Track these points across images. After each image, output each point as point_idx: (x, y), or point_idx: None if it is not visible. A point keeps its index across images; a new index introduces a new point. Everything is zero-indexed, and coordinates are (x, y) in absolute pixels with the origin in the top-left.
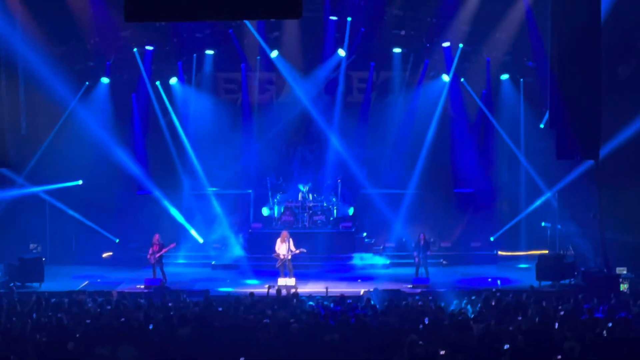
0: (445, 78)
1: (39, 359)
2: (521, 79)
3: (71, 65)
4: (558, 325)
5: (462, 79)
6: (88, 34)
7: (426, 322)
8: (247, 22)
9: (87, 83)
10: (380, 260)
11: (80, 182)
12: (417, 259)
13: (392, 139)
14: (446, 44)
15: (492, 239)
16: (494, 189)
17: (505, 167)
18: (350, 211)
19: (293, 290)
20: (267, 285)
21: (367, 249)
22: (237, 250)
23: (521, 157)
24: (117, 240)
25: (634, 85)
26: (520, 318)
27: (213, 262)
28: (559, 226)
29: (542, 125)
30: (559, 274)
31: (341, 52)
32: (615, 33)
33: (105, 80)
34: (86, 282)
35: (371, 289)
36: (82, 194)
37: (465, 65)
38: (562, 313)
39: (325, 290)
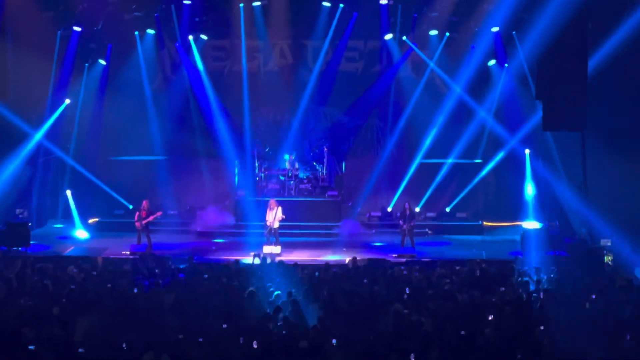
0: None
1: (24, 324)
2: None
3: (59, 31)
4: (542, 297)
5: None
6: None
7: (410, 292)
8: None
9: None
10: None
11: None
12: (402, 229)
13: (379, 108)
14: (434, 14)
15: (477, 209)
16: (481, 160)
17: (492, 138)
18: (337, 180)
19: (278, 258)
20: (252, 253)
21: (353, 217)
22: (221, 217)
23: (508, 129)
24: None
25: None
26: (503, 289)
27: (198, 229)
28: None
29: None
30: (544, 245)
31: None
32: (602, 3)
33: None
34: (72, 248)
35: (358, 257)
36: (72, 158)
37: (453, 36)
38: (545, 285)
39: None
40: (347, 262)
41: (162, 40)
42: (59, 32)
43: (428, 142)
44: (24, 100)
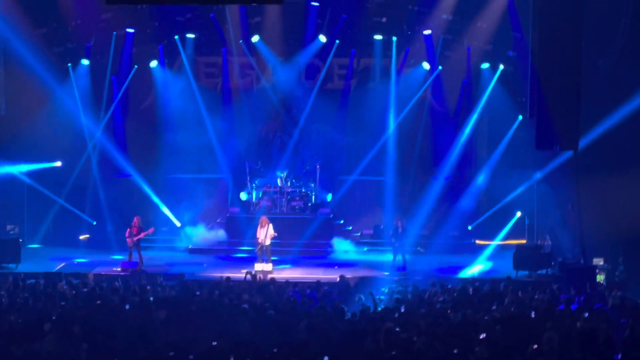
0: (426, 66)
1: (14, 341)
2: (499, 67)
3: (51, 47)
4: (534, 315)
5: (439, 67)
6: (69, 16)
7: (402, 310)
8: (228, 6)
9: (68, 65)
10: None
11: (59, 163)
12: (394, 246)
13: (371, 125)
14: (427, 32)
15: (470, 227)
16: (473, 178)
17: (485, 156)
18: (329, 197)
19: (270, 276)
20: (244, 270)
21: (345, 235)
22: (214, 234)
23: (501, 147)
24: (95, 223)
25: (614, 77)
26: (495, 307)
27: (190, 246)
28: (527, 220)
29: (520, 117)
30: (536, 264)
31: (322, 38)
32: (596, 25)
33: (85, 62)
34: (62, 264)
35: (348, 276)
36: (61, 175)
37: (446, 54)
38: (538, 303)
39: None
40: (338, 279)
41: (162, 57)
42: (52, 49)
43: (422, 159)
44: (17, 117)
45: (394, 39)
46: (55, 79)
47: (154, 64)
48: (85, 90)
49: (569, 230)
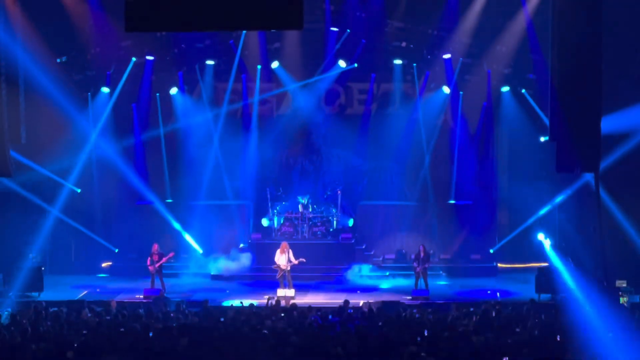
0: (446, 90)
1: None
2: (523, 90)
3: (71, 75)
4: (559, 338)
5: (460, 92)
6: (88, 44)
7: (425, 334)
8: (248, 32)
9: (88, 93)
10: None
11: (78, 190)
12: (416, 271)
13: (392, 150)
14: (447, 56)
15: (491, 251)
16: (494, 201)
17: (506, 179)
18: (350, 222)
19: (292, 301)
20: (266, 296)
21: (366, 260)
22: (236, 261)
23: (521, 169)
24: (117, 250)
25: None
26: (518, 330)
27: (212, 273)
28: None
29: (542, 139)
30: (559, 287)
31: (342, 64)
32: (616, 45)
33: (105, 90)
34: (85, 292)
35: (371, 300)
36: (82, 203)
37: (466, 77)
38: (561, 326)
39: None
40: (361, 304)
41: (182, 84)
42: (72, 77)
43: (443, 183)
44: (37, 146)
45: (414, 64)
46: (76, 107)
47: (174, 91)
48: (105, 118)
49: (591, 252)
